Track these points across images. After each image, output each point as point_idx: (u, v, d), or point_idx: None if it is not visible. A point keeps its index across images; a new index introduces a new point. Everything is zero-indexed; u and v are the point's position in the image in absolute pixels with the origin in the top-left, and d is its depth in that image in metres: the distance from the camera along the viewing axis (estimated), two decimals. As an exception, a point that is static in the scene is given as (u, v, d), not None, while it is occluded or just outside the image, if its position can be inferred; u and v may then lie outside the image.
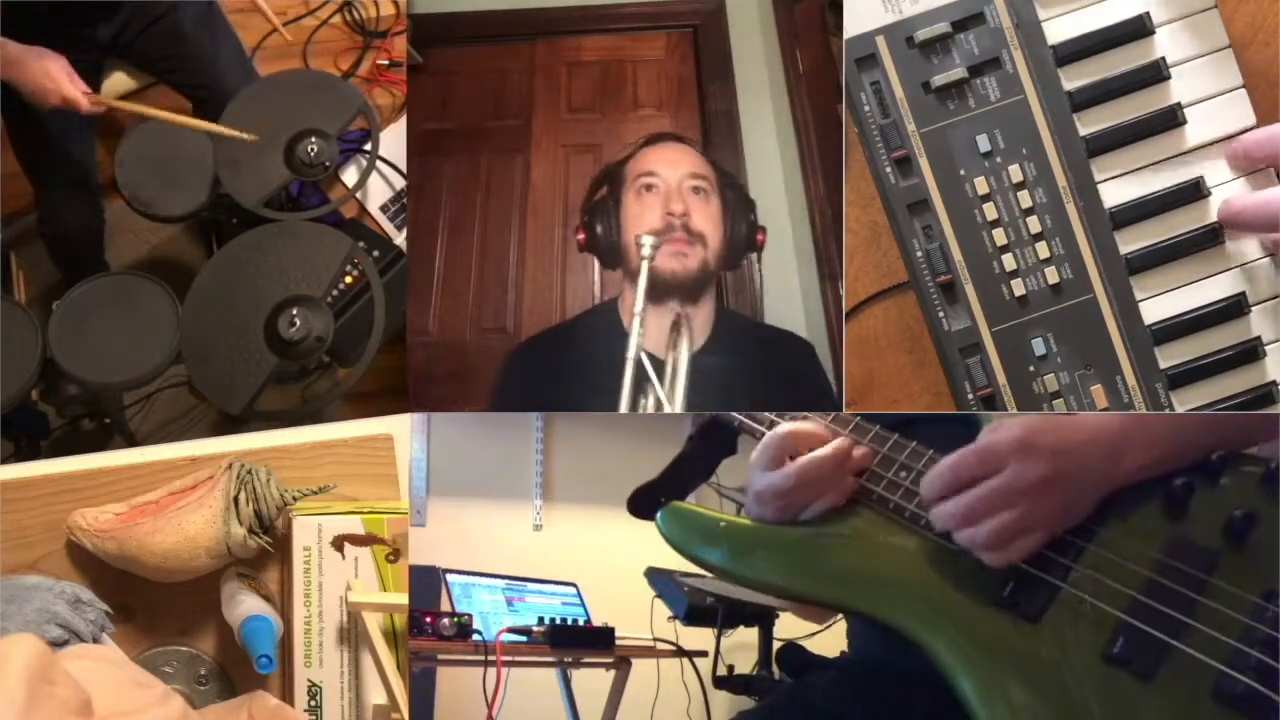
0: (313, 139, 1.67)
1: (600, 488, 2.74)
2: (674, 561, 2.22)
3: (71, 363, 1.55)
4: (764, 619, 2.11)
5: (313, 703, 1.15)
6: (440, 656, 1.84)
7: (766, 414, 0.97)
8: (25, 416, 1.78)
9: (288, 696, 1.16)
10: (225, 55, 1.92)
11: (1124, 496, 0.82)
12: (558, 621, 1.94)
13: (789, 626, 2.07)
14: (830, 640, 1.19)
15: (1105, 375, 1.03)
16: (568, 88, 2.21)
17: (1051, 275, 1.03)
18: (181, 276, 1.61)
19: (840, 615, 1.04)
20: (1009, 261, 1.04)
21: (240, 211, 1.71)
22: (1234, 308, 1.02)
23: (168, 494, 1.18)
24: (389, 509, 1.20)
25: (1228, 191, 1.00)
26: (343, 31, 2.26)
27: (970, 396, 1.04)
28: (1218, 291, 1.02)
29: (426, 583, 2.00)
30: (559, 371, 1.50)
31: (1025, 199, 1.03)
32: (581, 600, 2.26)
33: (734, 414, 1.00)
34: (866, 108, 1.05)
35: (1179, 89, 1.02)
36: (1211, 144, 1.01)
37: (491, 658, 1.75)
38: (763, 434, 0.93)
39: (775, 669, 2.08)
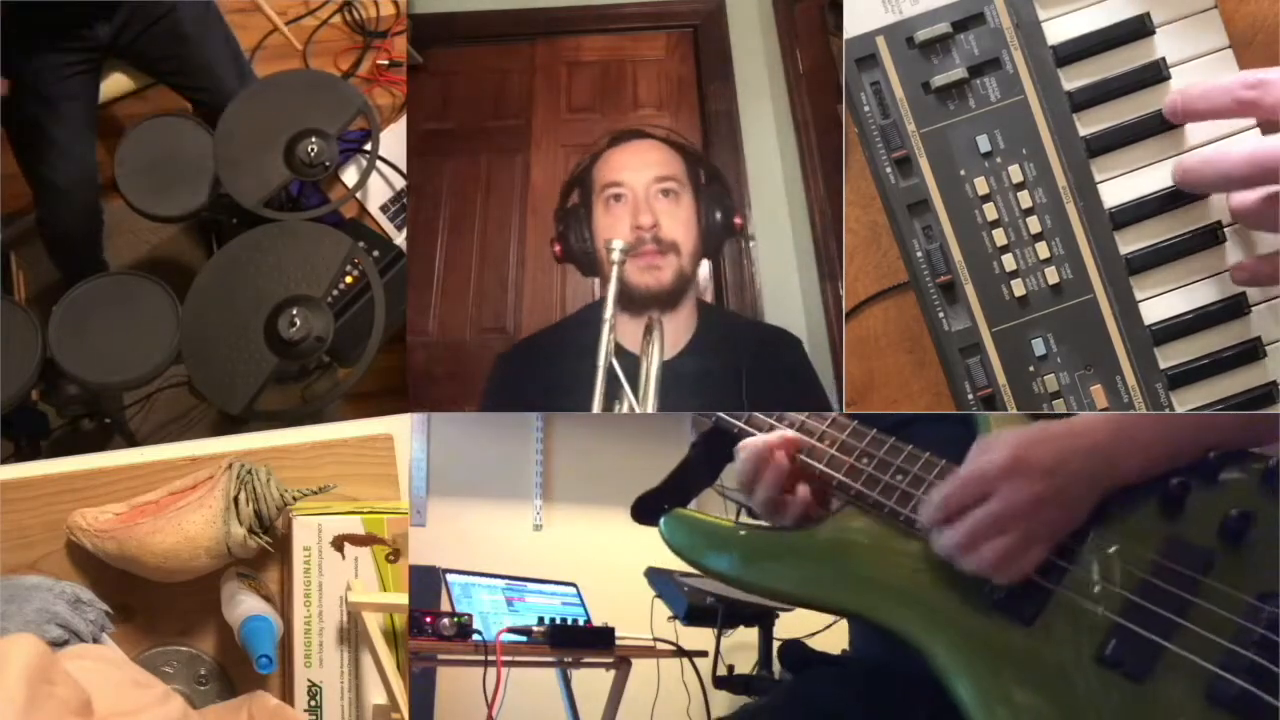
0: (313, 139, 1.67)
1: (600, 488, 2.74)
2: (674, 562, 2.23)
3: (71, 363, 1.55)
4: (764, 619, 2.11)
5: (313, 703, 1.15)
6: (440, 656, 1.84)
7: (766, 418, 0.97)
8: (25, 416, 1.78)
9: (288, 696, 1.16)
10: (224, 56, 1.92)
11: (1120, 497, 0.82)
12: (558, 621, 1.94)
13: (789, 626, 2.07)
14: (832, 638, 1.19)
15: (1105, 375, 1.03)
16: (568, 88, 2.21)
17: (1051, 275, 1.03)
18: (181, 276, 1.61)
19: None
20: (1009, 262, 1.04)
21: (240, 211, 1.71)
22: (1234, 308, 1.02)
23: (168, 494, 1.18)
24: (389, 509, 1.20)
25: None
26: (343, 31, 2.27)
27: (970, 397, 1.04)
28: (1218, 291, 1.02)
29: (426, 583, 2.00)
30: (548, 374, 1.50)
31: (1025, 199, 1.03)
32: (581, 600, 2.27)
33: (733, 420, 1.00)
34: (866, 108, 1.05)
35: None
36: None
37: (491, 658, 1.75)
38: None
39: (775, 668, 2.08)
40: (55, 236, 1.94)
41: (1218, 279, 1.02)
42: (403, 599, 1.16)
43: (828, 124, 1.97)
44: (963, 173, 1.04)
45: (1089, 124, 1.03)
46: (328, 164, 1.68)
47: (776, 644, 2.10)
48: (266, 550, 1.17)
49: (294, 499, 1.17)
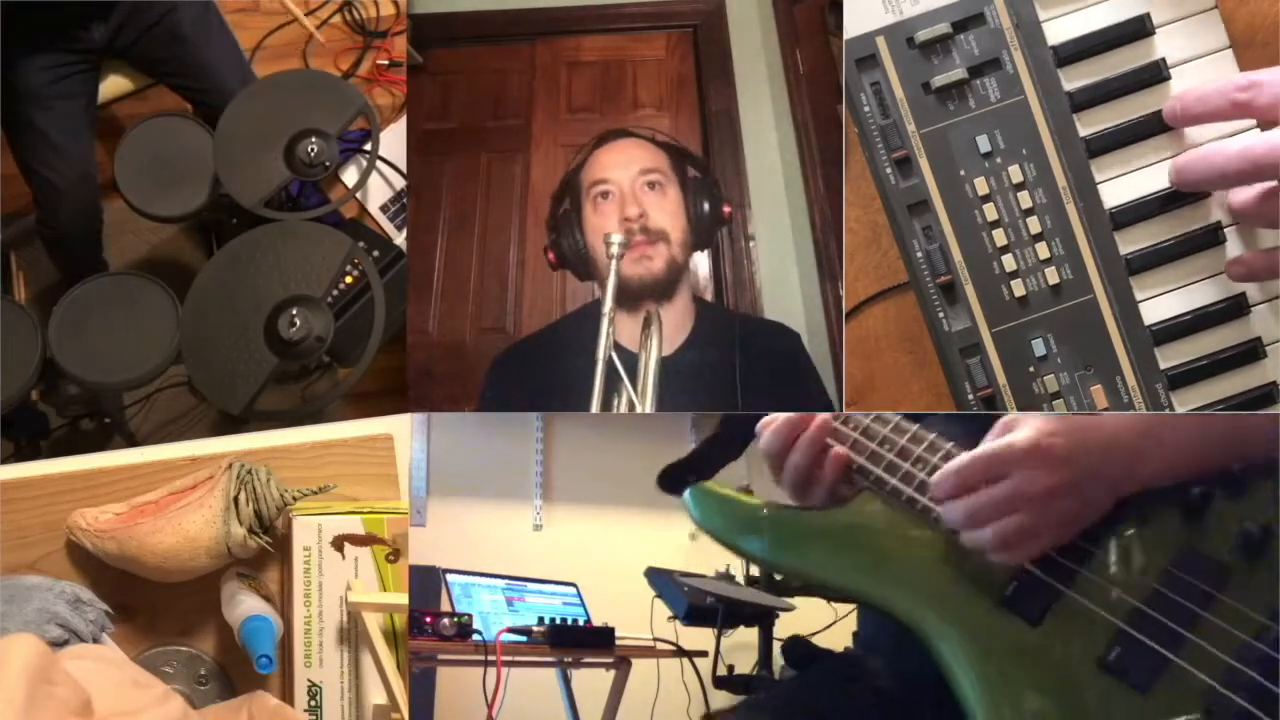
0: (313, 139, 1.67)
1: (600, 488, 2.75)
2: (674, 561, 2.23)
3: (71, 363, 1.55)
4: (764, 619, 2.11)
5: (313, 703, 1.15)
6: (440, 656, 1.84)
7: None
8: (25, 416, 1.78)
9: (288, 696, 1.16)
10: (223, 56, 1.92)
11: (1140, 502, 0.81)
12: (558, 621, 1.94)
13: (789, 626, 2.07)
14: (834, 637, 1.19)
15: (1105, 376, 1.03)
16: (568, 88, 2.21)
17: (1051, 276, 1.03)
18: (181, 276, 1.61)
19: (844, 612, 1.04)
20: (1009, 262, 1.04)
21: (240, 211, 1.71)
22: (1234, 308, 1.02)
23: (168, 494, 1.18)
24: (389, 509, 1.20)
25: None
26: (343, 31, 2.27)
27: (970, 397, 1.04)
28: (1218, 292, 1.02)
29: (426, 583, 2.00)
30: (542, 376, 1.50)
31: (1025, 199, 1.03)
32: (581, 600, 2.27)
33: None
34: (866, 108, 1.05)
35: (1179, 89, 1.01)
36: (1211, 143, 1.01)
37: (491, 658, 1.75)
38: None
39: (776, 668, 2.08)
40: (55, 237, 1.94)
41: (1218, 279, 1.02)
42: (403, 599, 1.16)
43: (828, 124, 1.97)
44: (963, 173, 1.04)
45: (1089, 124, 1.03)
46: (328, 164, 1.68)
47: (777, 644, 2.10)
48: (266, 550, 1.17)
49: (294, 499, 1.17)
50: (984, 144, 1.04)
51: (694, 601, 1.98)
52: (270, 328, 1.51)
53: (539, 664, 2.03)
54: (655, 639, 2.09)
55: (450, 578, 2.04)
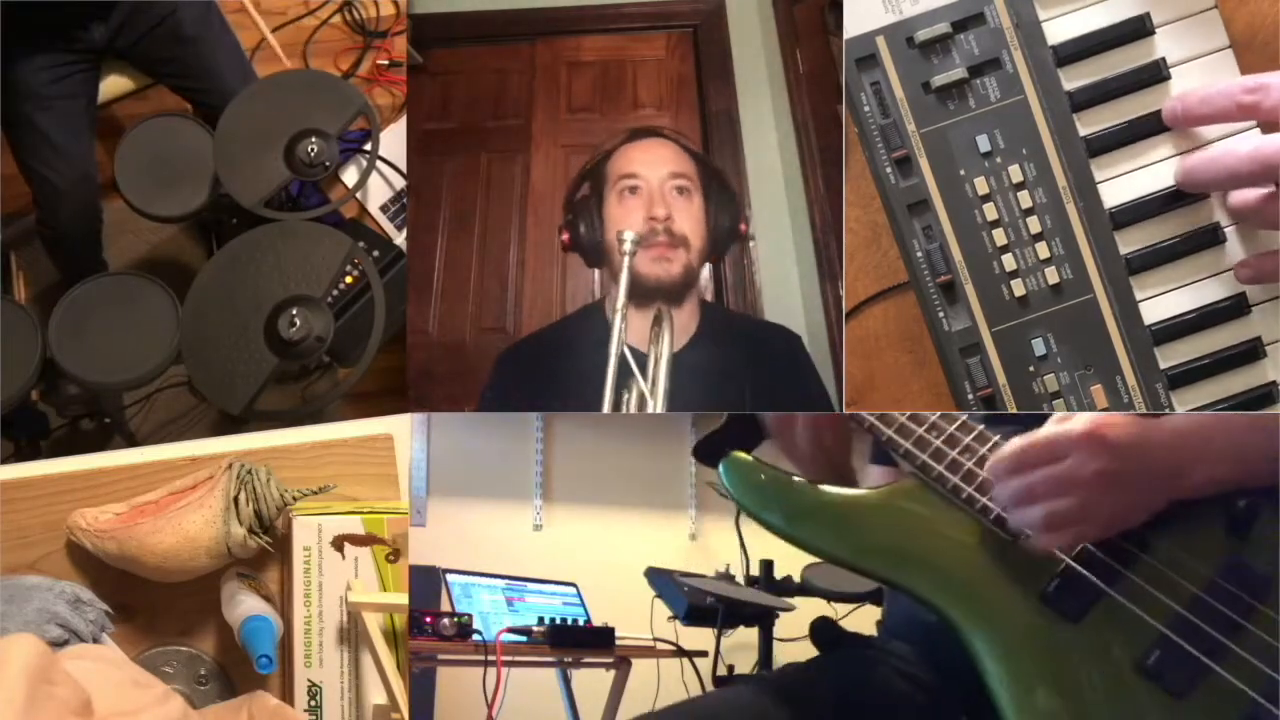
0: (313, 139, 1.67)
1: (600, 488, 2.75)
2: (674, 561, 2.23)
3: (71, 363, 1.55)
4: (764, 619, 2.11)
5: (313, 703, 1.15)
6: (440, 656, 1.84)
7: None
8: (25, 416, 1.78)
9: (288, 696, 1.16)
10: (225, 56, 1.92)
11: (1188, 509, 0.81)
12: (558, 621, 1.94)
13: (790, 626, 2.08)
14: (852, 623, 1.18)
15: (1105, 375, 1.03)
16: (568, 88, 2.21)
17: (1051, 275, 1.03)
18: (181, 276, 1.61)
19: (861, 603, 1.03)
20: (1009, 262, 1.04)
21: (240, 211, 1.71)
22: (1234, 308, 1.02)
23: (168, 494, 1.18)
24: (389, 509, 1.20)
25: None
26: (343, 31, 2.27)
27: (970, 397, 1.04)
28: (1218, 291, 1.02)
29: (426, 583, 2.00)
30: (548, 372, 1.50)
31: (1025, 199, 1.03)
32: (581, 600, 2.27)
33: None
34: (866, 108, 1.05)
35: (1179, 89, 1.01)
36: (1212, 143, 1.01)
37: (491, 658, 1.75)
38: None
39: (775, 668, 2.08)
40: (55, 237, 1.94)
41: (1218, 279, 1.02)
42: (403, 599, 1.16)
43: (828, 124, 1.97)
44: (963, 173, 1.04)
45: (1089, 124, 1.03)
46: (328, 164, 1.68)
47: (777, 644, 2.10)
48: (266, 550, 1.17)
49: (294, 499, 1.17)
50: (984, 144, 1.04)
51: (694, 601, 1.98)
52: (270, 328, 1.52)
53: (539, 664, 2.04)
54: (655, 639, 2.09)
55: (450, 578, 2.04)
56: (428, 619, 1.74)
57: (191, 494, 1.16)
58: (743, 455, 0.93)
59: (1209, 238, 1.01)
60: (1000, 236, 1.04)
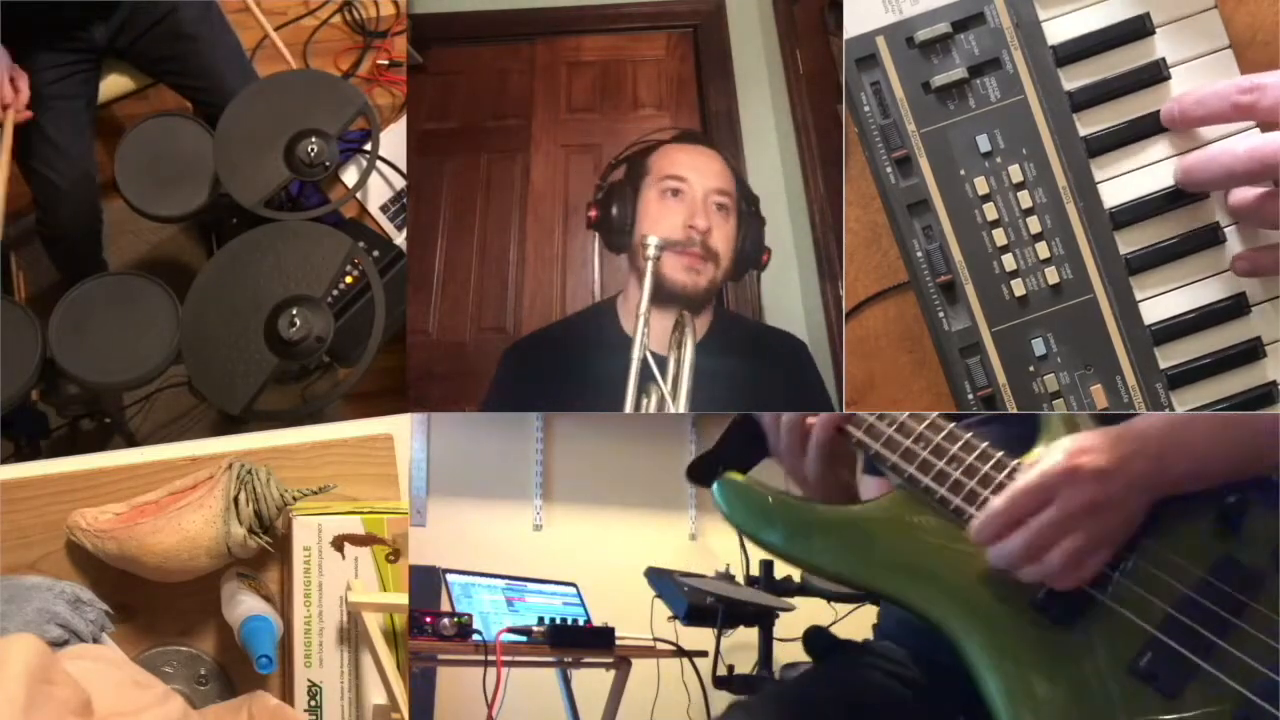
0: (313, 139, 1.67)
1: (600, 488, 2.75)
2: (674, 561, 2.23)
3: (71, 363, 1.55)
4: (764, 619, 2.11)
5: (313, 703, 1.15)
6: (440, 656, 1.84)
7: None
8: (25, 416, 1.78)
9: (288, 696, 1.16)
10: (225, 56, 1.92)
11: (1174, 507, 0.81)
12: (558, 621, 1.94)
13: (790, 627, 2.08)
14: (848, 628, 1.18)
15: (1105, 375, 1.03)
16: (568, 88, 2.22)
17: (1051, 275, 1.03)
18: (181, 276, 1.61)
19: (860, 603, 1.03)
20: (1009, 261, 1.04)
21: (240, 211, 1.71)
22: (1234, 308, 1.02)
23: (168, 494, 1.18)
24: (389, 509, 1.20)
25: (1234, 194, 1.00)
26: (343, 31, 2.27)
27: (970, 397, 1.04)
28: (1218, 291, 1.02)
29: (426, 583, 2.00)
30: (555, 370, 1.50)
31: (1025, 199, 1.03)
32: (581, 600, 2.27)
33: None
34: (866, 108, 1.05)
35: (1179, 89, 1.01)
36: (1211, 143, 1.01)
37: (491, 658, 1.75)
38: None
39: (775, 668, 2.08)
40: (55, 237, 1.94)
41: (1218, 279, 1.02)
42: (403, 599, 1.16)
43: (828, 124, 1.97)
44: (963, 173, 1.04)
45: (1089, 124, 1.03)
46: (328, 164, 1.68)
47: (777, 644, 2.10)
48: (266, 550, 1.17)
49: (294, 499, 1.17)
50: (984, 144, 1.04)
51: (694, 601, 1.98)
52: (270, 328, 1.51)
53: (539, 664, 2.04)
54: (655, 639, 2.09)
55: (450, 578, 2.04)
56: (428, 619, 1.74)
57: (191, 494, 1.16)
58: (737, 476, 0.93)
59: (1209, 237, 1.02)
60: (1000, 236, 1.04)
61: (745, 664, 2.11)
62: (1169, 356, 1.03)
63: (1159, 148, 1.02)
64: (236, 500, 1.14)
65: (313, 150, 1.67)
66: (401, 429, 1.26)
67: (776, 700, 0.99)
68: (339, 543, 1.16)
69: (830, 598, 2.14)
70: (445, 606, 1.98)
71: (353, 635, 1.16)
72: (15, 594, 1.09)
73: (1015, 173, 1.03)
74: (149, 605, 1.20)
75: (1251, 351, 1.02)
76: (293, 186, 1.83)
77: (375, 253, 1.83)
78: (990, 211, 1.04)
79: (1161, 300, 1.03)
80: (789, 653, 1.96)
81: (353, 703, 1.16)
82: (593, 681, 2.12)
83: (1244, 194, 0.97)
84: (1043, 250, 1.03)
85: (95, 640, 1.10)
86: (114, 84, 1.92)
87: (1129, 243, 1.03)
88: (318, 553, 1.16)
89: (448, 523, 2.55)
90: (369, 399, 1.77)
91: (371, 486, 1.23)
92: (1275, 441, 0.83)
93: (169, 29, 1.84)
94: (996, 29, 1.04)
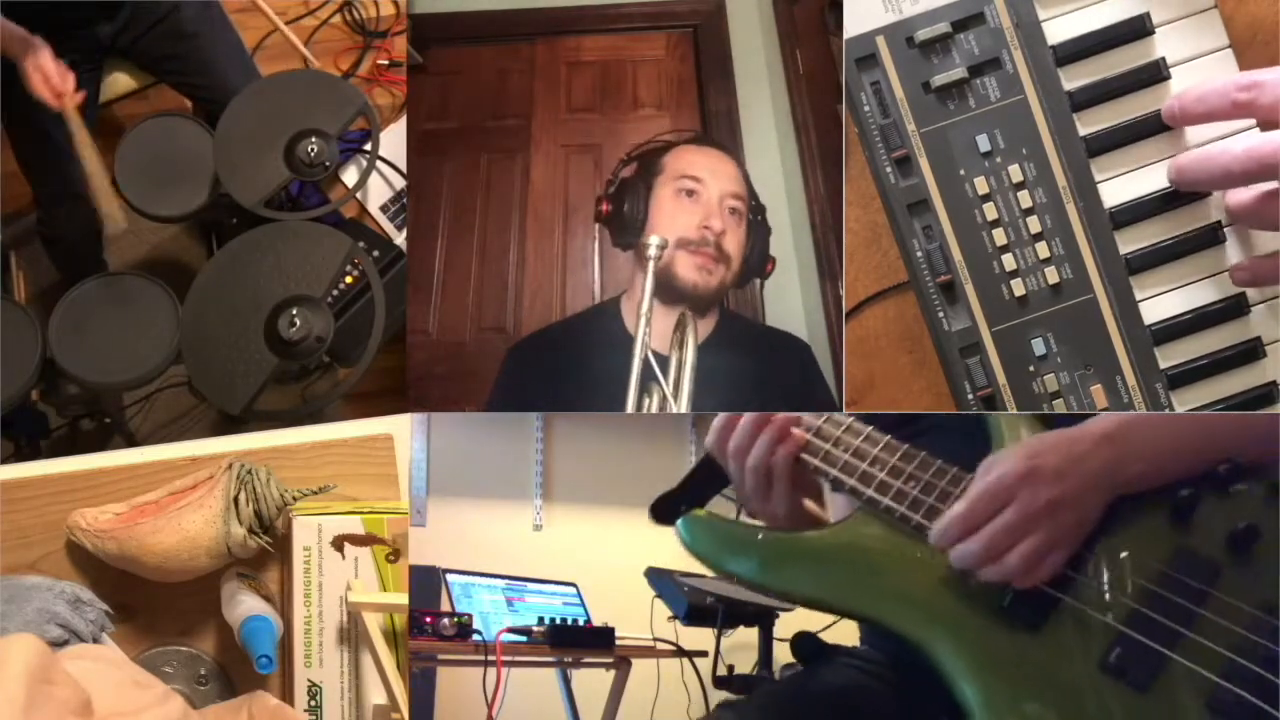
0: (313, 139, 1.67)
1: (600, 488, 2.75)
2: (674, 562, 2.23)
3: (71, 363, 1.55)
4: (764, 619, 2.11)
5: (313, 703, 1.15)
6: (440, 656, 1.84)
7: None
8: (25, 416, 1.78)
9: (288, 696, 1.16)
10: (227, 54, 1.92)
11: (1129, 505, 0.82)
12: (558, 621, 1.94)
13: (789, 626, 2.07)
14: (840, 633, 1.18)
15: (1105, 375, 1.03)
16: (568, 88, 2.21)
17: (1051, 275, 1.03)
18: (181, 276, 1.61)
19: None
20: (1009, 261, 1.04)
21: (240, 211, 1.71)
22: (1234, 308, 1.02)
23: (168, 494, 1.18)
24: (389, 509, 1.20)
25: (1232, 195, 1.00)
26: (343, 31, 2.27)
27: (970, 396, 1.04)
28: (1218, 291, 1.02)
29: (426, 583, 2.00)
30: (560, 370, 1.50)
31: (1025, 199, 1.03)
32: (581, 600, 2.27)
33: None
34: (866, 108, 1.05)
35: (1179, 89, 1.01)
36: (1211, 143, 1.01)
37: (491, 658, 1.75)
38: None
39: (776, 668, 2.08)
40: (56, 236, 1.94)
41: (1218, 279, 1.02)
42: (403, 599, 1.16)
43: (828, 124, 1.97)
44: (963, 173, 1.04)
45: (1089, 124, 1.03)
46: (328, 164, 1.68)
47: (777, 644, 2.10)
48: (266, 550, 1.17)
49: (294, 499, 1.17)
50: (984, 143, 1.04)
51: (694, 601, 1.98)
52: (270, 328, 1.52)
53: (539, 664, 2.04)
54: (655, 639, 2.09)
55: (450, 578, 2.04)
56: (428, 619, 1.74)
57: (191, 494, 1.16)
58: (700, 512, 0.94)
59: (1209, 238, 1.02)
60: (1000, 236, 1.04)
61: (745, 664, 2.11)
62: (1169, 356, 1.03)
63: (1159, 147, 1.02)
64: (236, 500, 1.14)
65: (313, 150, 1.67)
66: (401, 429, 1.26)
67: (763, 703, 1.00)
68: (339, 543, 1.17)
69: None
70: (445, 606, 1.98)
71: (353, 635, 1.16)
72: (15, 594, 1.09)
73: (1015, 173, 1.03)
74: (149, 605, 1.20)
75: (1251, 352, 1.02)
76: (293, 186, 1.83)
77: (375, 253, 1.83)
78: (990, 211, 1.04)
79: (1161, 300, 1.03)
80: (789, 653, 1.96)
81: (353, 703, 1.16)
82: (593, 681, 2.12)
83: (1243, 194, 0.97)
84: (1043, 250, 1.03)
85: (95, 640, 1.10)
86: (114, 84, 1.92)
87: (1129, 243, 1.03)
88: (318, 553, 1.16)
89: (448, 523, 2.55)
90: (369, 399, 1.77)
91: (371, 486, 1.23)
92: (1224, 437, 0.85)
93: (171, 27, 1.84)
94: (996, 29, 1.04)
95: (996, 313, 1.04)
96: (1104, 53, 1.03)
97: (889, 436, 0.91)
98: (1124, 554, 0.81)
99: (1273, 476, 0.80)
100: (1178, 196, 1.01)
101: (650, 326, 1.29)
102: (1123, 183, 1.03)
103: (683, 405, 1.33)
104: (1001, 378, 1.04)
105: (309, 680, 1.16)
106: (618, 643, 2.01)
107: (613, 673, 2.09)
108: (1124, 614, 0.79)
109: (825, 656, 1.04)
